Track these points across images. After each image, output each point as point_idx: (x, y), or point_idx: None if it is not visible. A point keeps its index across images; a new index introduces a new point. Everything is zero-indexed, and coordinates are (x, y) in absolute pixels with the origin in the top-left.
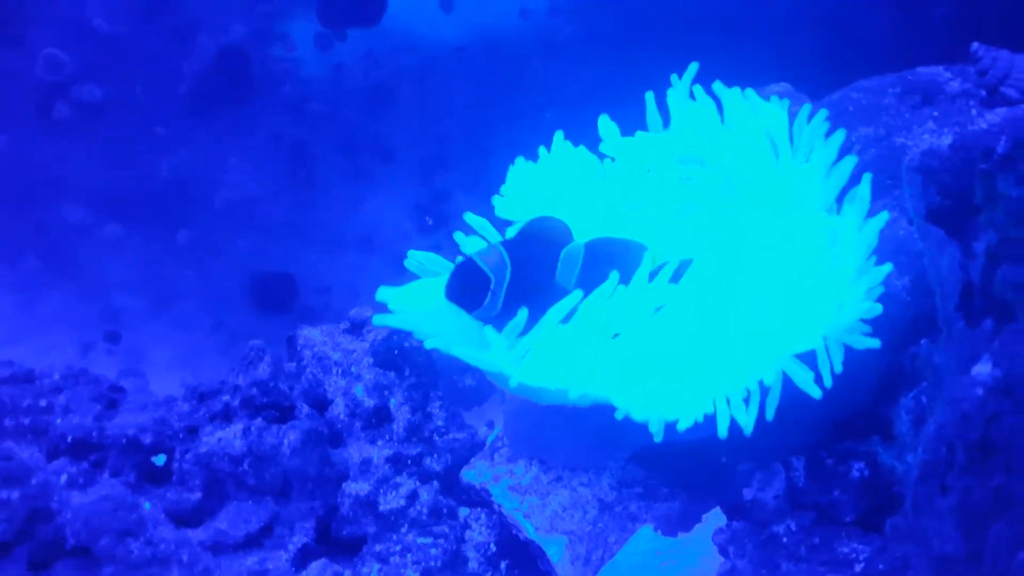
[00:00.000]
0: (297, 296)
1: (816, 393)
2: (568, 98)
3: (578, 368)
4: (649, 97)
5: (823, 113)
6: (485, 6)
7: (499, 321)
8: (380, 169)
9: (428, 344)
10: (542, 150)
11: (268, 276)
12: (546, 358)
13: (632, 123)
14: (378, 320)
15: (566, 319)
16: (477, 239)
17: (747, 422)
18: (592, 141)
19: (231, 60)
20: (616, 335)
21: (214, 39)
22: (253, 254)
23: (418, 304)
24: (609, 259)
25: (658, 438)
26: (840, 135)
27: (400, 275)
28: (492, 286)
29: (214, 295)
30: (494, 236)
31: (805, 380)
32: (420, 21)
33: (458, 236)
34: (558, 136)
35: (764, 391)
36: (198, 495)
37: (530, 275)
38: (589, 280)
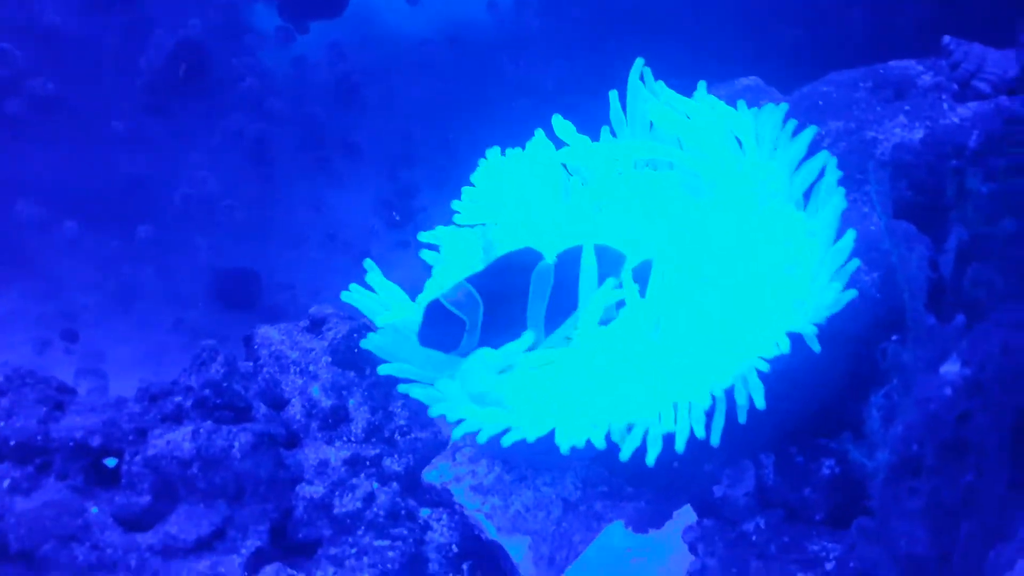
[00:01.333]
0: (261, 293)
1: (760, 403)
2: (536, 91)
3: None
4: (613, 96)
5: (783, 107)
6: None
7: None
8: (345, 164)
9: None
10: (513, 150)
11: (230, 273)
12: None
13: (601, 116)
14: (346, 297)
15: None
16: (446, 256)
17: (715, 431)
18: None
19: (189, 54)
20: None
21: (171, 33)
22: (214, 251)
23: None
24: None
25: (624, 456)
26: (810, 131)
27: (365, 272)
28: (467, 326)
29: (175, 293)
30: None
31: (756, 389)
32: (385, 13)
33: (426, 255)
34: (539, 133)
35: (729, 394)
36: (147, 499)
37: (503, 308)
38: (562, 293)
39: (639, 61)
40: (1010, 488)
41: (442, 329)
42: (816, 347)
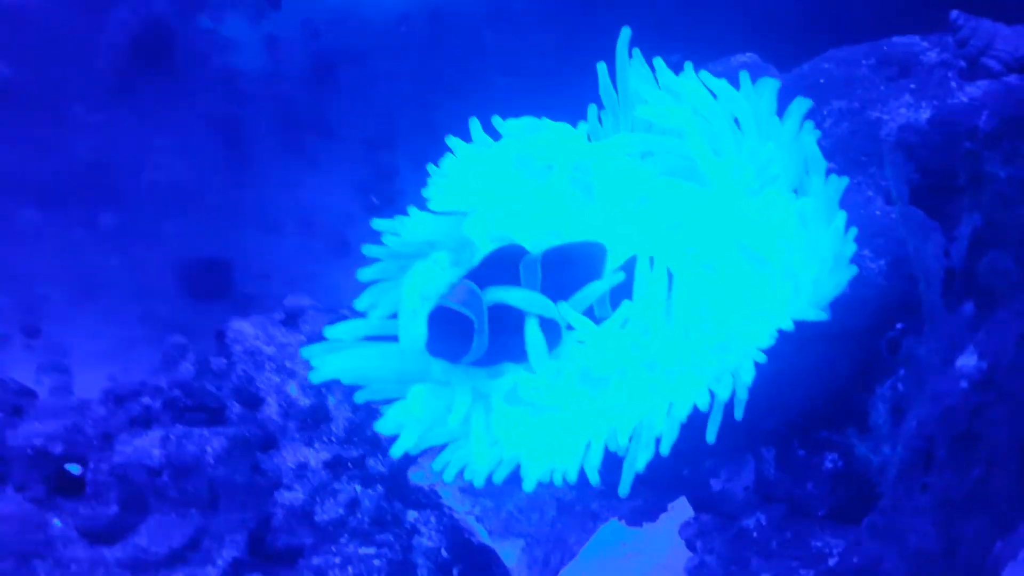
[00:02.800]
0: (233, 283)
1: (739, 414)
2: (521, 67)
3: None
4: (602, 68)
5: (773, 83)
6: None
7: (485, 359)
8: (320, 147)
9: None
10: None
11: (201, 262)
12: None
13: (587, 91)
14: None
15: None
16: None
17: (712, 428)
18: (546, 111)
19: (154, 33)
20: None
21: (134, 10)
22: (184, 239)
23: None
24: (567, 265)
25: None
26: (806, 103)
27: (342, 259)
28: (476, 325)
29: (142, 283)
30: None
31: (742, 386)
32: None
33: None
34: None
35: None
36: (114, 509)
37: (500, 305)
38: (551, 291)
39: (626, 31)
40: (1020, 480)
41: (451, 333)
42: (824, 316)
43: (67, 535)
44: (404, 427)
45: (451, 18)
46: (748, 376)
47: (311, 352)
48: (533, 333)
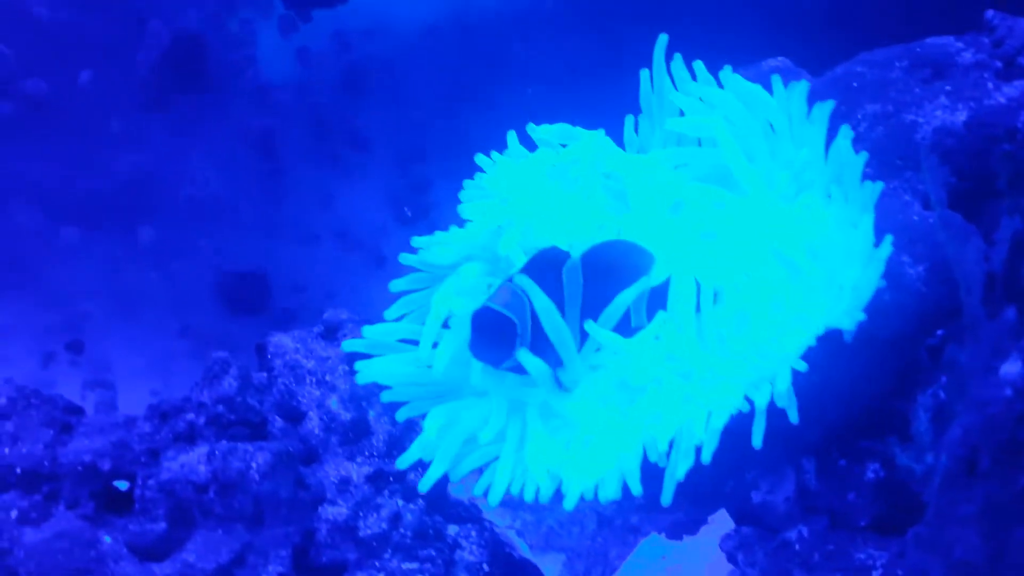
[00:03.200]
0: (270, 296)
1: (794, 417)
2: (551, 77)
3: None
4: (644, 75)
5: (803, 86)
6: None
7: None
8: (354, 159)
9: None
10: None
11: (238, 276)
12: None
13: (617, 100)
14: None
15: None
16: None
17: (757, 433)
18: (576, 120)
19: (187, 47)
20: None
21: (168, 25)
22: (221, 253)
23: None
24: (608, 268)
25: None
26: (829, 104)
27: (378, 271)
28: (519, 329)
29: (181, 298)
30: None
31: (787, 402)
32: None
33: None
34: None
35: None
36: (163, 525)
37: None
38: (595, 294)
39: (663, 38)
40: None
41: (498, 336)
42: (862, 317)
43: (117, 552)
44: (434, 457)
45: (480, 28)
46: (784, 383)
47: (352, 345)
48: (528, 360)
